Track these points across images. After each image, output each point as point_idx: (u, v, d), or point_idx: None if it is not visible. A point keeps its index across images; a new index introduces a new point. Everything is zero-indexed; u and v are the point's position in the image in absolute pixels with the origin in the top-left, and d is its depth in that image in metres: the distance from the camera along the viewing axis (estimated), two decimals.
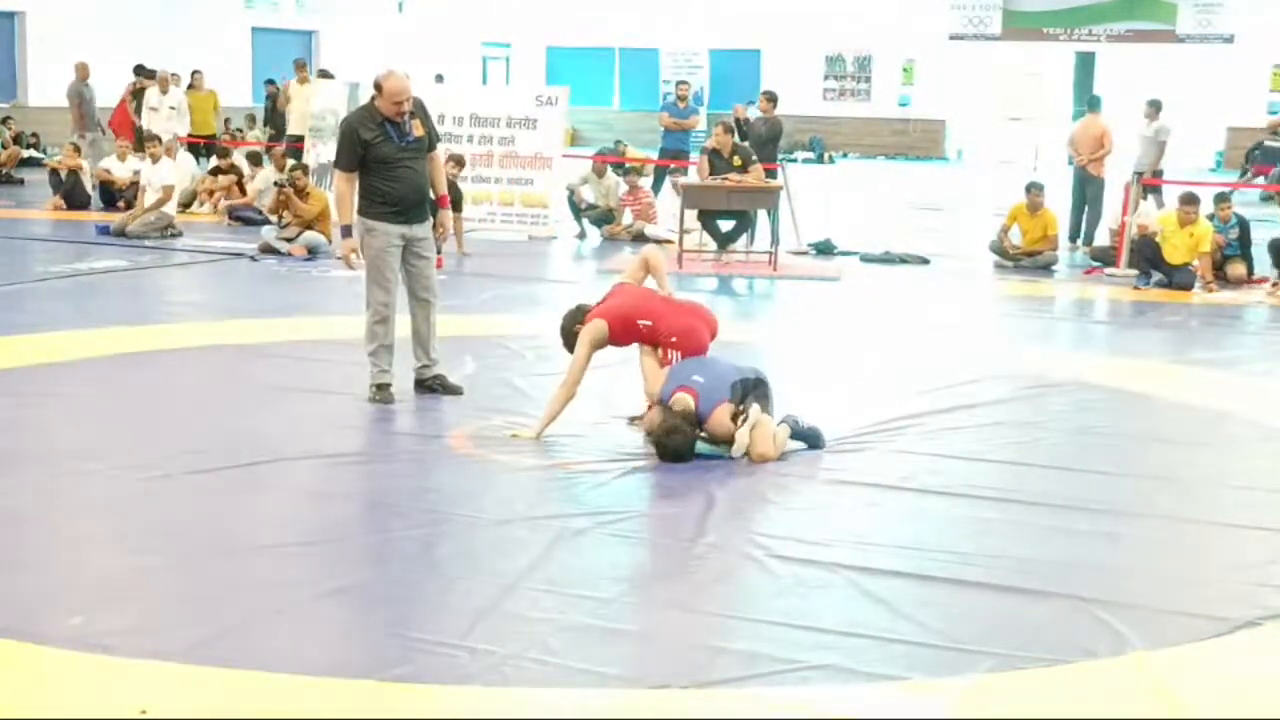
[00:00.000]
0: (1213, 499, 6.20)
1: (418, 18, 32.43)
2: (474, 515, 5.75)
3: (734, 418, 6.47)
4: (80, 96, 19.51)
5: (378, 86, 7.30)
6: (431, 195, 7.63)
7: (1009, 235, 14.22)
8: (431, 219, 7.62)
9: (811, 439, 6.73)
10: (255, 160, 16.88)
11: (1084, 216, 15.65)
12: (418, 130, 7.39)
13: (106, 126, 19.67)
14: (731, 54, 33.62)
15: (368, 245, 7.43)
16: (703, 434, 6.50)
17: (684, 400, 6.46)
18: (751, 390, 6.64)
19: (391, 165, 7.32)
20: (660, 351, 6.84)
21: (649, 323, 6.87)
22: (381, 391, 7.47)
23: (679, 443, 6.40)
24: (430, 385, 7.68)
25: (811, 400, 7.90)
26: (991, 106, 32.39)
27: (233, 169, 16.75)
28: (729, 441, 6.46)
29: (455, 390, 7.58)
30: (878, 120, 33.54)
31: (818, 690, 4.12)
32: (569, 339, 7.00)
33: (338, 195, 7.57)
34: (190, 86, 20.51)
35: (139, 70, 20.31)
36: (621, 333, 6.89)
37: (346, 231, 7.45)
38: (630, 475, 6.26)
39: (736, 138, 14.25)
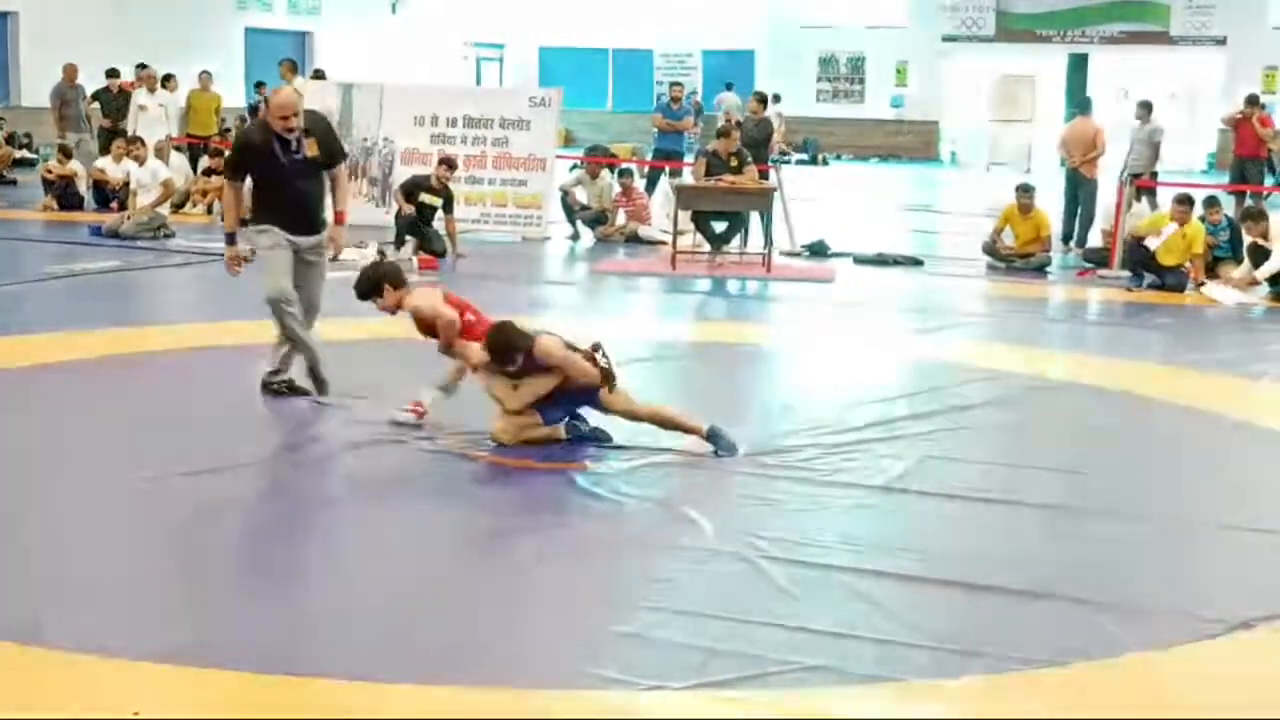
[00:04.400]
0: (1206, 500, 6.21)
1: (410, 19, 32.42)
2: (471, 515, 5.76)
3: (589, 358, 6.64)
4: (62, 98, 19.45)
5: (267, 101, 7.30)
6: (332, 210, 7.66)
7: (1001, 237, 14.23)
8: (322, 234, 7.58)
9: (596, 438, 6.74)
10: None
11: (1077, 218, 15.64)
12: (310, 150, 7.36)
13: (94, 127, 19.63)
14: (725, 55, 33.63)
15: (258, 244, 7.44)
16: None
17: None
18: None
19: (278, 180, 7.32)
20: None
21: (473, 318, 7.06)
22: (275, 378, 7.45)
23: (504, 333, 6.60)
24: (276, 389, 7.54)
25: (806, 401, 7.92)
26: (984, 108, 32.42)
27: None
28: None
29: (305, 391, 7.51)
30: (871, 122, 33.56)
31: (812, 692, 4.12)
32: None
33: (224, 203, 7.61)
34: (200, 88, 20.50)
35: (113, 73, 20.22)
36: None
37: (230, 239, 7.47)
38: (626, 476, 6.26)
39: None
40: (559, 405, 6.73)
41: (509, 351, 6.61)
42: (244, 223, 7.70)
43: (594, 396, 6.71)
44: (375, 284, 7.09)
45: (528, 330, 6.72)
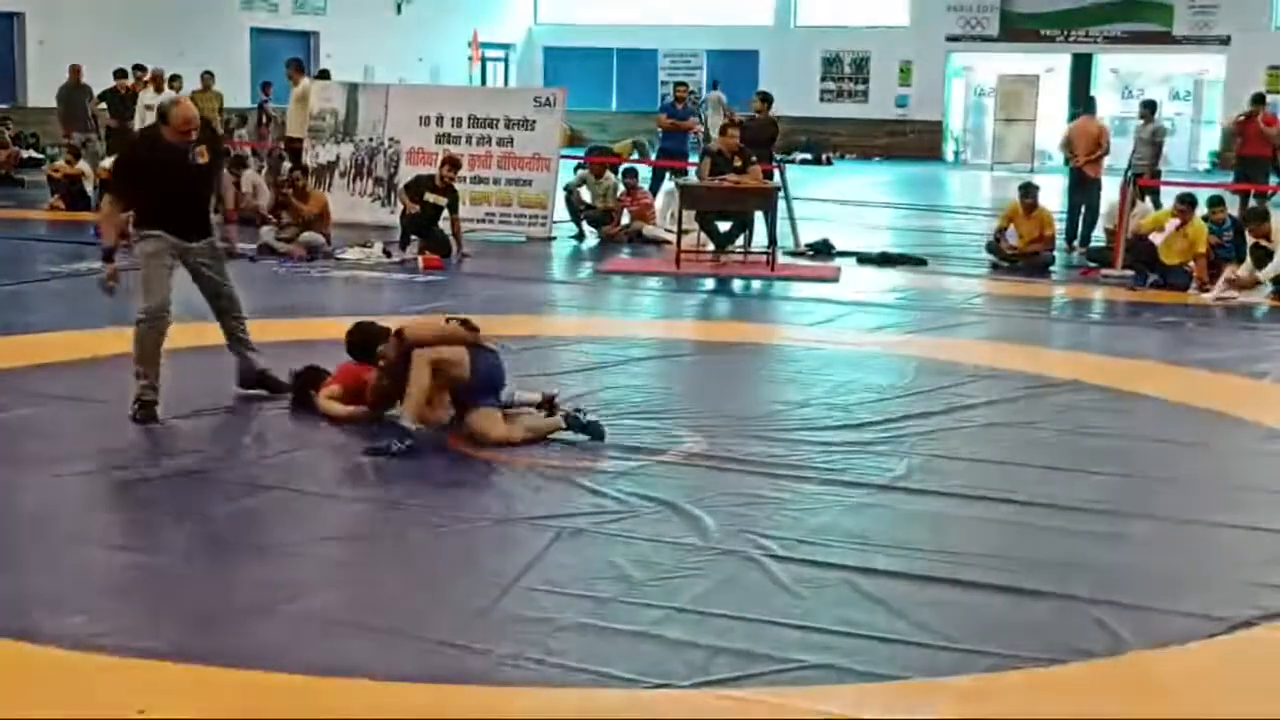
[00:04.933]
0: (1210, 499, 6.22)
1: (416, 18, 32.44)
2: (473, 515, 5.77)
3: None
4: (67, 98, 19.49)
5: (164, 115, 7.18)
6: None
7: (1005, 236, 14.24)
8: (214, 235, 7.44)
9: (593, 431, 6.79)
10: (239, 164, 16.90)
11: (1080, 217, 15.62)
12: (203, 157, 7.26)
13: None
14: (729, 55, 33.65)
15: (141, 251, 7.16)
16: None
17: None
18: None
19: (174, 191, 7.15)
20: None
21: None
22: (145, 409, 7.02)
23: (358, 331, 7.13)
24: (257, 381, 7.52)
25: (810, 400, 7.93)
26: (989, 108, 32.39)
27: (231, 170, 16.72)
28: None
29: (284, 387, 7.46)
30: (875, 121, 33.54)
31: (815, 690, 4.14)
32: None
33: (104, 217, 7.35)
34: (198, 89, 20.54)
35: (121, 72, 20.27)
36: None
37: (109, 255, 7.18)
38: (629, 475, 6.27)
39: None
40: (482, 389, 6.86)
41: (371, 341, 6.98)
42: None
43: (500, 366, 6.96)
44: (304, 390, 7.33)
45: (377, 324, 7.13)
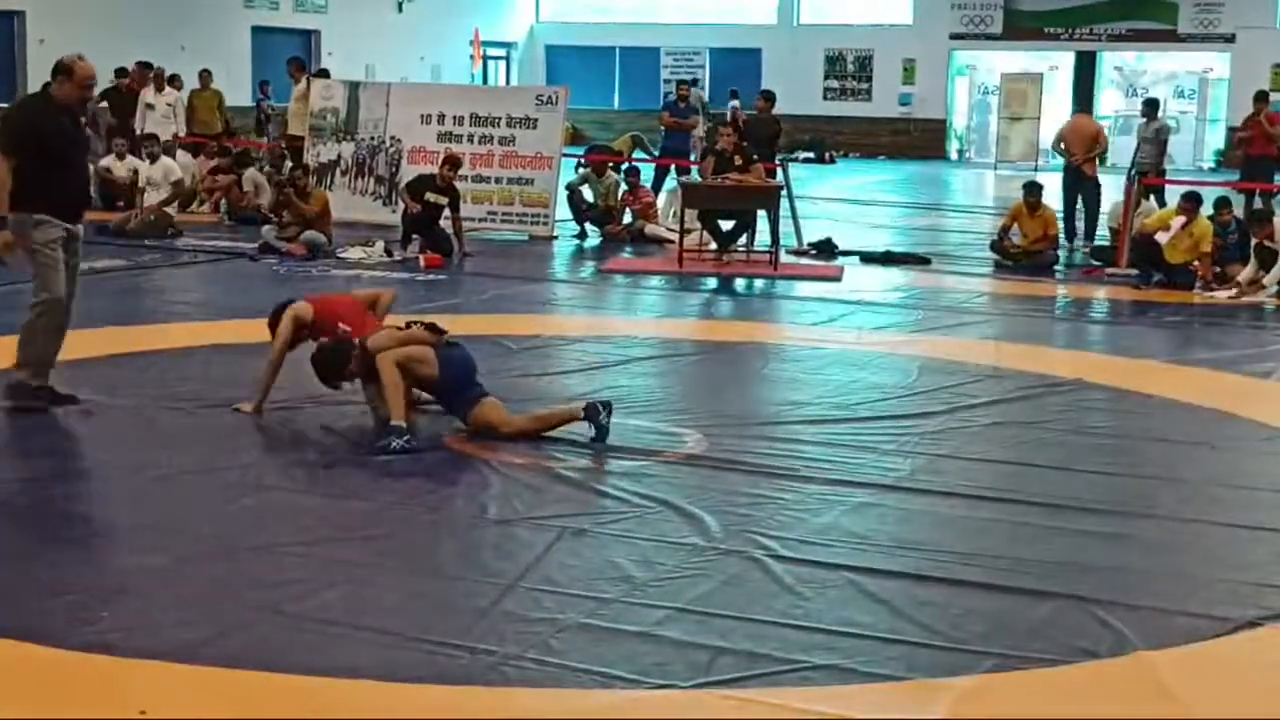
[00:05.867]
0: (1214, 499, 6.20)
1: (417, 17, 32.43)
2: (474, 515, 5.75)
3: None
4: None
5: (68, 70, 6.77)
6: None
7: (1009, 235, 14.22)
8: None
9: (599, 430, 6.73)
10: (243, 162, 16.89)
11: (1077, 216, 15.58)
12: (82, 130, 7.04)
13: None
14: (732, 53, 33.64)
15: (40, 239, 6.81)
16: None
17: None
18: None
19: (64, 161, 6.81)
20: None
21: (348, 329, 7.11)
22: (36, 394, 6.91)
23: (322, 355, 6.89)
24: (39, 394, 7.04)
25: (812, 399, 7.91)
26: (993, 106, 32.35)
27: (232, 169, 16.73)
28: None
29: (70, 400, 7.12)
30: (879, 120, 33.51)
31: (818, 690, 4.12)
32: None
33: None
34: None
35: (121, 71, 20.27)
36: (319, 326, 7.21)
37: (2, 223, 6.72)
38: (631, 475, 6.26)
39: (737, 137, 14.26)
40: (461, 383, 6.86)
41: (339, 366, 6.85)
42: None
43: (469, 356, 6.95)
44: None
45: (341, 344, 6.98)
